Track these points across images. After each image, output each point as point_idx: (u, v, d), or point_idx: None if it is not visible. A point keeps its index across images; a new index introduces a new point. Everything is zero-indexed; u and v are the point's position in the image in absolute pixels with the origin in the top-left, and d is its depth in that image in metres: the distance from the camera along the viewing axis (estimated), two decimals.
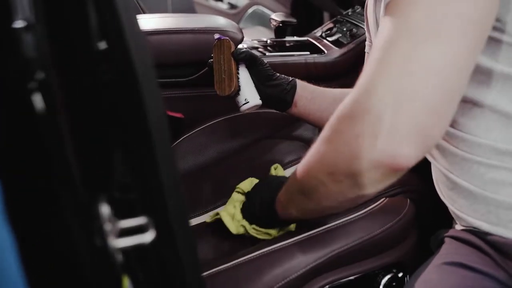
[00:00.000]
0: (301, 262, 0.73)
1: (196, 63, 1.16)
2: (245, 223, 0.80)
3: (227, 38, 0.95)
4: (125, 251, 0.42)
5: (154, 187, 0.42)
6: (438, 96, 0.54)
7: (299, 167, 0.67)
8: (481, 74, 0.64)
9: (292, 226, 0.80)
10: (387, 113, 0.53)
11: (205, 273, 0.70)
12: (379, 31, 0.61)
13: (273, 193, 0.76)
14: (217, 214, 0.84)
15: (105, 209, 0.39)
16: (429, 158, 0.76)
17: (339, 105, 0.60)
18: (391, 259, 0.82)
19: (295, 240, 0.75)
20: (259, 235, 0.80)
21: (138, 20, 0.40)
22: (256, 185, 0.85)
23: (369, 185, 0.59)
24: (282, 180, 0.78)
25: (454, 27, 0.54)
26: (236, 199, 0.84)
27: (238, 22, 2.51)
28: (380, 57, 0.56)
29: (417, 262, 0.76)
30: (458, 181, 0.70)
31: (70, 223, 0.35)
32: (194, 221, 0.91)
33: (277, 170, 0.92)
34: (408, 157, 0.55)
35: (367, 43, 0.99)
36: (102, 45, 0.38)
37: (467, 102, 0.65)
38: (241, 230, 0.80)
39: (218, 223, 0.83)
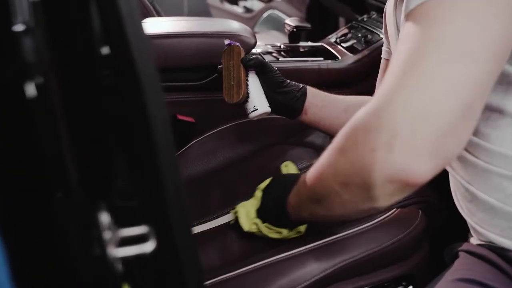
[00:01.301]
0: (308, 272, 0.72)
1: (208, 67, 1.16)
2: (258, 221, 0.80)
3: (237, 44, 0.94)
4: (126, 260, 0.41)
5: (156, 196, 0.41)
6: (457, 118, 0.53)
7: (310, 174, 0.67)
8: (508, 83, 0.61)
9: (302, 228, 0.79)
10: (404, 130, 0.53)
11: (210, 281, 0.69)
12: (400, 39, 0.59)
13: (284, 195, 0.75)
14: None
15: (105, 217, 0.38)
16: (448, 169, 0.73)
17: (355, 113, 0.59)
18: (401, 272, 0.80)
19: (302, 250, 0.74)
20: (270, 233, 0.79)
21: (142, 24, 0.39)
22: (268, 185, 0.84)
23: (382, 199, 0.58)
24: (293, 180, 0.76)
25: (482, 49, 0.53)
26: (256, 197, 0.84)
27: (253, 26, 2.51)
28: (402, 70, 0.55)
29: (428, 275, 0.74)
30: (478, 193, 0.67)
31: (67, 231, 0.34)
32: (203, 227, 0.90)
33: (288, 167, 0.91)
34: (423, 174, 0.54)
35: (384, 48, 0.97)
36: (105, 50, 0.38)
37: (493, 111, 0.63)
38: (253, 228, 0.80)
39: (230, 227, 0.83)
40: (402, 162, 0.53)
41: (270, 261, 0.72)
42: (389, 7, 0.89)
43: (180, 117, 1.13)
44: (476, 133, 0.65)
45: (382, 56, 0.98)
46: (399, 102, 0.53)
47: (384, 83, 0.57)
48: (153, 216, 0.42)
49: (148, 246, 0.39)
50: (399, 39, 0.60)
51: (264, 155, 1.06)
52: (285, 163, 0.93)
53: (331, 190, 0.62)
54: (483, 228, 0.69)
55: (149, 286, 0.45)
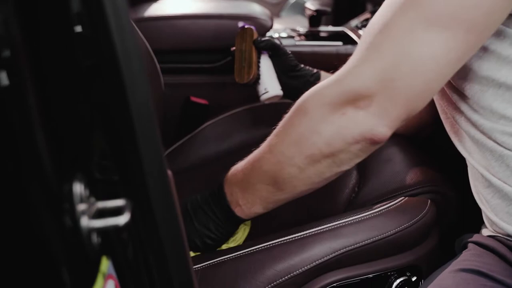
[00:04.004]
0: (307, 258, 0.71)
1: (224, 50, 1.15)
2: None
3: (251, 26, 0.93)
4: (104, 233, 0.42)
5: (134, 171, 0.42)
6: (424, 91, 0.57)
7: (263, 160, 0.68)
8: None
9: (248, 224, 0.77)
10: (373, 97, 0.56)
11: (205, 263, 0.69)
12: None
13: (221, 202, 0.72)
14: None
15: (79, 189, 0.38)
16: (465, 155, 0.70)
17: (314, 86, 0.62)
18: (405, 262, 0.78)
19: (302, 234, 0.73)
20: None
21: (124, 3, 0.39)
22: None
23: (348, 161, 0.62)
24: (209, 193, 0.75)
25: (463, 21, 0.53)
26: None
27: (280, 11, 2.48)
28: (375, 41, 0.56)
29: (435, 267, 0.72)
30: (494, 179, 0.65)
31: (35, 202, 0.34)
32: None
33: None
34: (389, 132, 0.58)
35: None
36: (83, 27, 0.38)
37: (509, 89, 0.59)
38: None
39: None
40: (373, 123, 0.57)
41: (267, 244, 0.71)
42: None
43: (194, 99, 1.14)
44: (492, 116, 0.62)
45: None
46: (369, 74, 0.56)
47: (356, 53, 0.59)
48: (131, 190, 0.42)
49: (123, 219, 0.40)
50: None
51: None
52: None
53: (294, 167, 0.63)
54: (497, 217, 0.66)
55: (130, 259, 0.45)
